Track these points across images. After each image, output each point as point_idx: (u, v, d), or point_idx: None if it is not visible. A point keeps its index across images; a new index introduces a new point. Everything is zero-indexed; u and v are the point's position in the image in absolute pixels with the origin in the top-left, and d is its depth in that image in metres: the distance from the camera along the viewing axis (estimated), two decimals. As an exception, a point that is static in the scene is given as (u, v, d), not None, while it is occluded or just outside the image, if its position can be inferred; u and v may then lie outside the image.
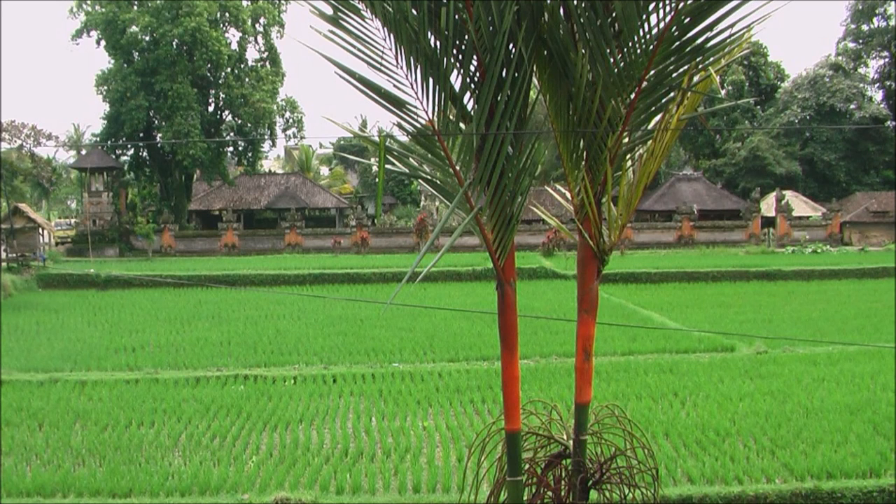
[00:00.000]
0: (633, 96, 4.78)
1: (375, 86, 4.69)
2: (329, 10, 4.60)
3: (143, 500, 11.86)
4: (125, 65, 51.38)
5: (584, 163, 5.08)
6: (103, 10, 50.81)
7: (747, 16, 4.50)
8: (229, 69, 53.52)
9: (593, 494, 5.52)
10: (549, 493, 5.54)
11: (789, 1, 4.54)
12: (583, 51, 4.58)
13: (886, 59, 68.84)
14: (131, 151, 55.90)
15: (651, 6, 4.45)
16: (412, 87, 4.65)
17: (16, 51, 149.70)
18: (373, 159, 63.74)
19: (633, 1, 4.39)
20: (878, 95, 69.57)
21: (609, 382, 17.81)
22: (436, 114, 4.67)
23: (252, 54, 63.12)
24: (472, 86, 4.72)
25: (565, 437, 5.60)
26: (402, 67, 4.62)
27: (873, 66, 70.65)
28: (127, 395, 17.38)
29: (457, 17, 4.46)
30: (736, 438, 14.06)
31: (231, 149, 56.91)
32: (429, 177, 5.18)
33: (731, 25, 4.55)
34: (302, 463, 13.24)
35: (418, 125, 4.78)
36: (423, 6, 4.40)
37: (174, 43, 50.28)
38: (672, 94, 4.93)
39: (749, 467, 12.62)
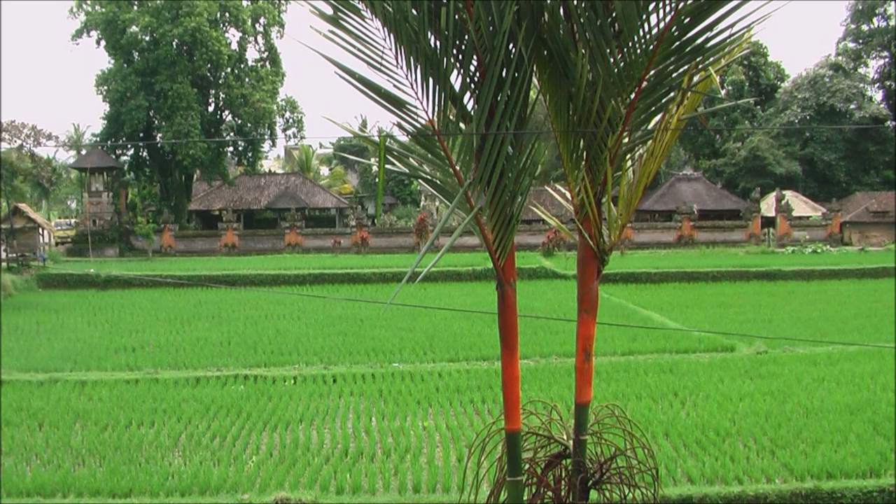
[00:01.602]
0: (633, 96, 4.78)
1: (375, 86, 4.69)
2: (329, 10, 4.60)
3: (143, 500, 11.86)
4: (125, 65, 51.39)
5: (584, 163, 5.08)
6: (103, 10, 50.81)
7: (747, 16, 4.50)
8: (229, 69, 53.52)
9: (593, 494, 5.52)
10: (549, 493, 5.54)
11: (789, 1, 4.54)
12: (583, 51, 4.58)
13: (886, 59, 68.84)
14: (131, 151, 55.91)
15: (651, 6, 4.45)
16: (412, 87, 4.65)
17: (16, 51, 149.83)
18: (373, 159, 63.75)
19: (633, 1, 4.39)
20: (878, 95, 69.61)
21: (609, 382, 17.81)
22: (436, 114, 4.68)
23: (252, 54, 63.25)
24: (472, 86, 4.72)
25: (565, 437, 5.60)
26: (402, 67, 4.62)
27: (873, 66, 70.78)
28: (127, 395, 17.38)
29: (457, 17, 4.46)
30: (736, 438, 14.06)
31: (231, 149, 56.92)
32: (429, 177, 5.18)
33: (731, 25, 4.55)
34: (302, 463, 13.24)
35: (418, 125, 4.78)
36: (423, 6, 4.40)
37: (174, 43, 50.28)
38: (672, 94, 4.93)
39: (749, 467, 12.62)
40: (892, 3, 66.71)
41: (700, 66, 4.89)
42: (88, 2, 52.17)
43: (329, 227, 59.85)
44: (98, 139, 56.42)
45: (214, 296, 33.47)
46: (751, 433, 14.29)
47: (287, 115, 56.62)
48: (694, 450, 13.56)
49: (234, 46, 54.34)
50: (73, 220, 71.49)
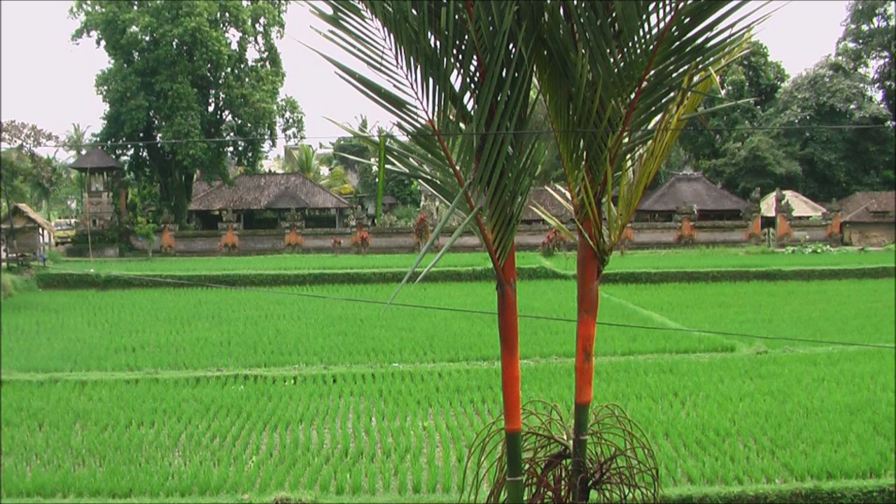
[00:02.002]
0: (633, 96, 4.78)
1: (375, 86, 4.69)
2: (329, 10, 4.60)
3: (143, 500, 11.86)
4: (125, 65, 51.39)
5: (584, 163, 5.08)
6: (103, 10, 50.82)
7: (747, 16, 4.50)
8: (229, 69, 53.52)
9: (593, 494, 5.52)
10: (549, 493, 5.54)
11: (789, 1, 4.54)
12: (583, 51, 4.58)
13: (886, 59, 68.85)
14: (131, 151, 55.92)
15: (651, 6, 4.45)
16: (412, 87, 4.65)
17: (16, 51, 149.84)
18: (373, 159, 63.75)
19: (633, 1, 4.39)
20: (878, 95, 69.61)
21: (609, 382, 17.81)
22: (436, 114, 4.67)
23: (252, 54, 63.25)
24: (472, 86, 4.72)
25: (565, 437, 5.60)
26: (402, 67, 4.62)
27: (873, 66, 70.80)
28: (127, 395, 17.38)
29: (457, 17, 4.46)
30: (736, 438, 14.06)
31: (231, 149, 56.92)
32: (429, 177, 5.18)
33: (731, 25, 4.55)
34: (302, 463, 13.24)
35: (418, 125, 4.78)
36: (423, 6, 4.40)
37: (174, 43, 50.28)
38: (672, 94, 4.93)
39: (749, 467, 12.62)
40: (892, 3, 66.73)
41: (700, 66, 4.89)
42: (88, 2, 52.17)
43: (329, 227, 59.85)
44: (98, 139, 56.42)
45: (214, 296, 33.47)
46: (751, 433, 14.29)
47: (287, 115, 56.63)
48: (694, 450, 13.56)
49: (234, 46, 54.35)
50: (73, 220, 71.48)
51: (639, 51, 4.58)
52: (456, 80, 4.67)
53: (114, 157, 54.00)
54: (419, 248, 50.06)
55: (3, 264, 36.60)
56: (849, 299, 31.00)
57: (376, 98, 4.72)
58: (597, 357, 18.02)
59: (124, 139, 51.64)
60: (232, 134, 56.40)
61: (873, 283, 35.98)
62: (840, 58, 68.61)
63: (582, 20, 4.57)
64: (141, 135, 52.50)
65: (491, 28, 4.43)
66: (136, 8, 50.81)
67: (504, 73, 4.55)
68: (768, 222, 53.48)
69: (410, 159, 5.22)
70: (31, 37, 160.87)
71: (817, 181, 64.95)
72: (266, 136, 56.19)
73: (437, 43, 4.50)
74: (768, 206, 55.53)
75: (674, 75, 4.82)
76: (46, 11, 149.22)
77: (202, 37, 49.47)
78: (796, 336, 22.42)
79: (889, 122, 66.11)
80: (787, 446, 13.54)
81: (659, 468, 6.13)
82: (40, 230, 47.76)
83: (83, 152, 60.84)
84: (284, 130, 57.36)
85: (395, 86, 4.69)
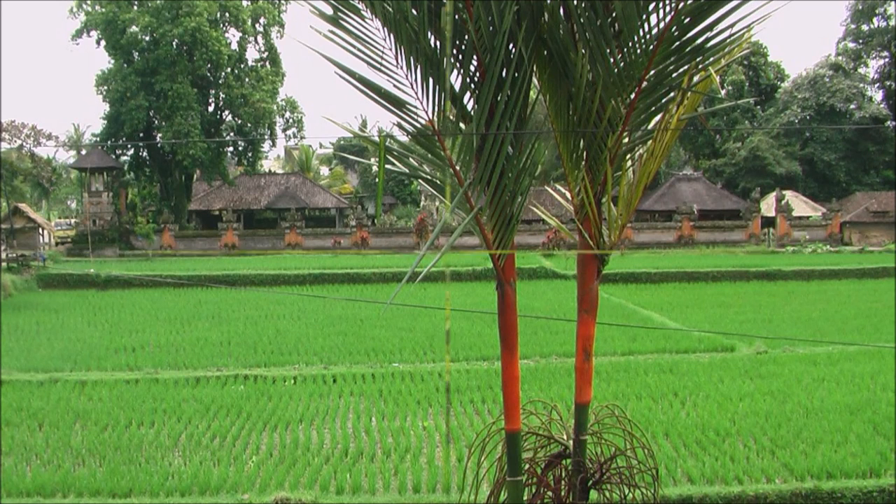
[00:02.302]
0: (633, 96, 4.78)
1: (375, 86, 4.69)
2: (329, 10, 4.60)
3: (143, 500, 11.86)
4: (125, 65, 51.42)
5: (584, 163, 5.08)
6: (103, 10, 50.84)
7: (747, 16, 4.50)
8: (229, 69, 53.54)
9: (593, 494, 5.52)
10: (549, 493, 5.54)
11: (789, 1, 4.54)
12: (583, 51, 4.58)
13: (886, 59, 68.85)
14: (131, 151, 55.96)
15: (651, 6, 4.44)
16: (412, 87, 4.65)
17: (16, 51, 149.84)
18: (373, 159, 63.77)
19: (633, 1, 4.39)
20: (878, 95, 69.63)
21: (609, 382, 17.81)
22: (436, 114, 4.67)
23: (252, 54, 63.32)
24: (472, 86, 4.72)
25: (565, 437, 5.60)
26: (402, 67, 4.62)
27: (873, 66, 70.81)
28: (127, 395, 17.38)
29: (457, 17, 4.46)
30: (736, 438, 14.06)
31: (231, 149, 56.93)
32: (429, 177, 5.18)
33: (731, 25, 4.55)
34: (302, 463, 13.24)
35: (418, 125, 4.78)
36: (423, 6, 4.40)
37: (174, 43, 50.32)
38: (672, 94, 4.93)
39: (749, 467, 12.62)
40: (893, 3, 66.73)
41: (700, 66, 4.89)
42: (88, 2, 52.19)
43: (329, 227, 59.86)
44: (98, 139, 56.44)
45: (214, 296, 33.46)
46: (751, 433, 14.29)
47: (287, 115, 56.66)
48: (694, 450, 13.56)
49: (234, 46, 54.38)
50: (73, 220, 71.49)
51: (639, 51, 4.58)
52: (456, 80, 4.67)
53: (114, 157, 54.02)
54: (419, 248, 50.06)
55: (3, 264, 36.60)
56: (849, 299, 31.00)
57: (376, 98, 4.72)
58: (597, 357, 18.02)
59: (124, 139, 51.66)
60: (232, 134, 56.42)
61: (873, 283, 36.00)
62: (840, 58, 68.62)
63: (582, 20, 4.57)
64: (141, 135, 52.53)
65: (491, 28, 4.43)
66: (136, 8, 50.83)
67: (504, 73, 4.55)
68: (768, 222, 53.50)
69: (410, 159, 5.22)
70: (31, 37, 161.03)
71: (817, 181, 64.96)
72: (266, 136, 56.24)
73: (437, 43, 4.50)
74: (768, 206, 55.54)
75: (674, 75, 4.82)
76: (46, 11, 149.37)
77: (202, 37, 49.49)
78: (796, 336, 22.42)
79: (889, 122, 66.12)
80: (787, 446, 13.54)
81: (659, 468, 6.14)
82: (40, 230, 47.81)
83: (83, 152, 60.85)
84: (284, 130, 57.47)
85: (395, 86, 4.69)
